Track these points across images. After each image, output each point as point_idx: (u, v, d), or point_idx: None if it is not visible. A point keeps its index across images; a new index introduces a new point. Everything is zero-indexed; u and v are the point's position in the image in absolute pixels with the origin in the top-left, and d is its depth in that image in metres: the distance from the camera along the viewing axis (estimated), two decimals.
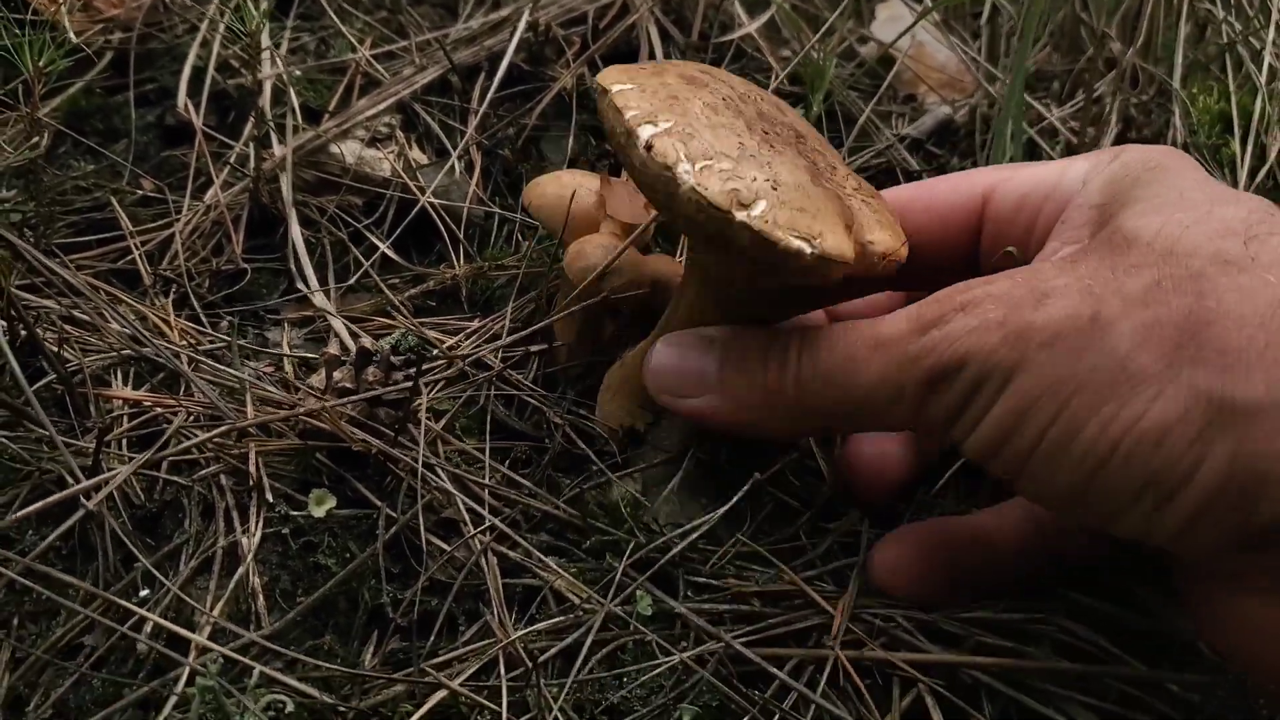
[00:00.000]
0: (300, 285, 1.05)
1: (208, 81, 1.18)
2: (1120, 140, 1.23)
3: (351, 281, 1.07)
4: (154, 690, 0.72)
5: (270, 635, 0.75)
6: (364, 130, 1.16)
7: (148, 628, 0.74)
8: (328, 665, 0.74)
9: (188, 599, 0.77)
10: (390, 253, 1.10)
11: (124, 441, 0.86)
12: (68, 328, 0.93)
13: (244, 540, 0.80)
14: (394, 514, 0.82)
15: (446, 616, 0.78)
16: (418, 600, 0.78)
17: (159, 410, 0.88)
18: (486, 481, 0.85)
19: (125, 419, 0.87)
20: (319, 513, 0.81)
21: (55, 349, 0.88)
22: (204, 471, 0.83)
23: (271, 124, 1.14)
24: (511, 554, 0.81)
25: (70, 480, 0.79)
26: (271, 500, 0.81)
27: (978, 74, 1.30)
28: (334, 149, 1.14)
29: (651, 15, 1.25)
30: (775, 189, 0.70)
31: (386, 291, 1.05)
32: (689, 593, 0.80)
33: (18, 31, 0.92)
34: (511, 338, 0.94)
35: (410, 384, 0.84)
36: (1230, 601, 0.68)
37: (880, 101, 1.28)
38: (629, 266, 0.91)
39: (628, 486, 0.84)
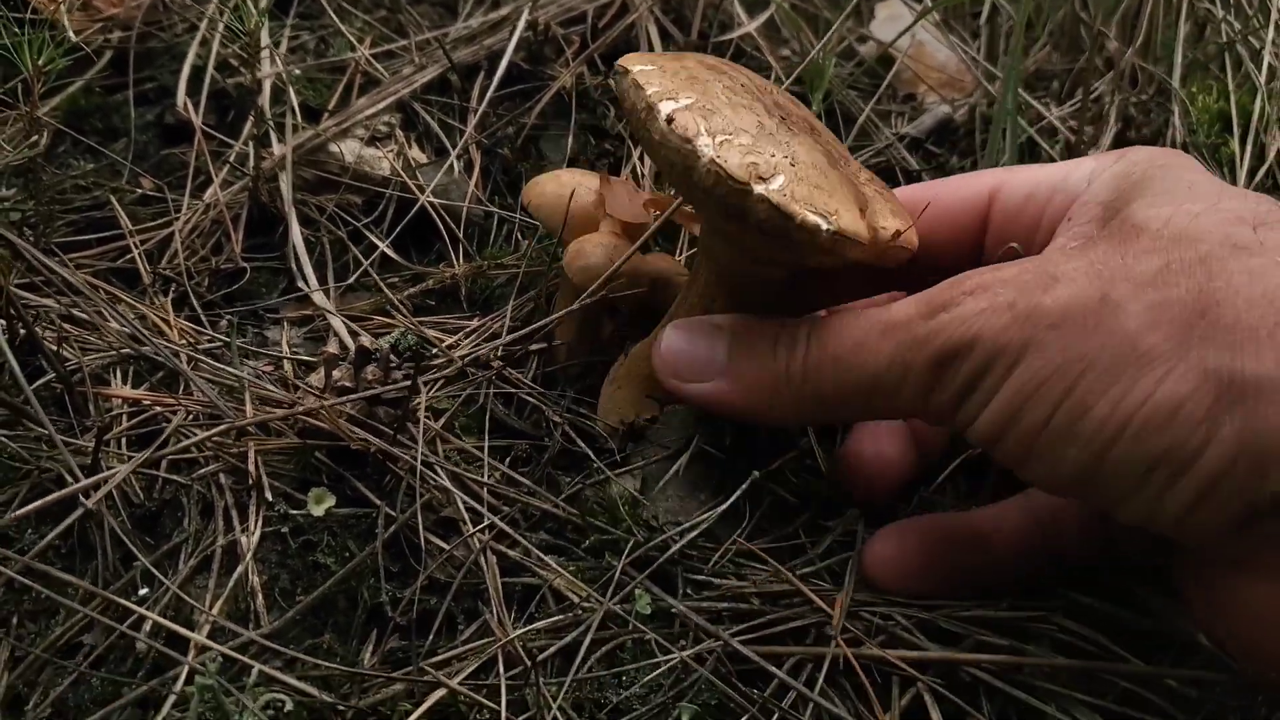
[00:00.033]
0: (300, 284, 1.05)
1: (207, 80, 1.18)
2: (1119, 139, 1.23)
3: (351, 280, 1.07)
4: (153, 689, 0.72)
5: (269, 634, 0.75)
6: (363, 129, 1.17)
7: (147, 626, 0.74)
8: (327, 664, 0.74)
9: (187, 598, 0.77)
10: (390, 252, 1.10)
11: (123, 440, 0.86)
12: (67, 326, 0.93)
13: (243, 539, 0.80)
14: (393, 513, 0.82)
15: (445, 615, 0.78)
16: (417, 599, 0.78)
17: (158, 409, 0.88)
18: (485, 480, 0.85)
19: (124, 418, 0.87)
20: (318, 511, 0.81)
21: (54, 348, 0.88)
22: (203, 470, 0.83)
23: (271, 123, 1.14)
24: (510, 553, 0.81)
25: (69, 479, 0.79)
26: (271, 499, 0.81)
27: (977, 73, 1.30)
28: (333, 148, 1.14)
29: (651, 14, 1.25)
30: (793, 165, 0.71)
31: (386, 290, 1.05)
32: (688, 591, 0.80)
33: (17, 30, 0.92)
34: (511, 337, 0.94)
35: (409, 383, 0.84)
36: (1232, 587, 0.67)
37: (880, 101, 1.28)
38: (627, 265, 0.91)
39: (627, 484, 0.84)
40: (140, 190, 1.12)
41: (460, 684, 0.72)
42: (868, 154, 1.22)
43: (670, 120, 0.71)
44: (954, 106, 1.28)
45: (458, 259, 1.10)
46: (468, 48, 1.24)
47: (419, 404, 0.87)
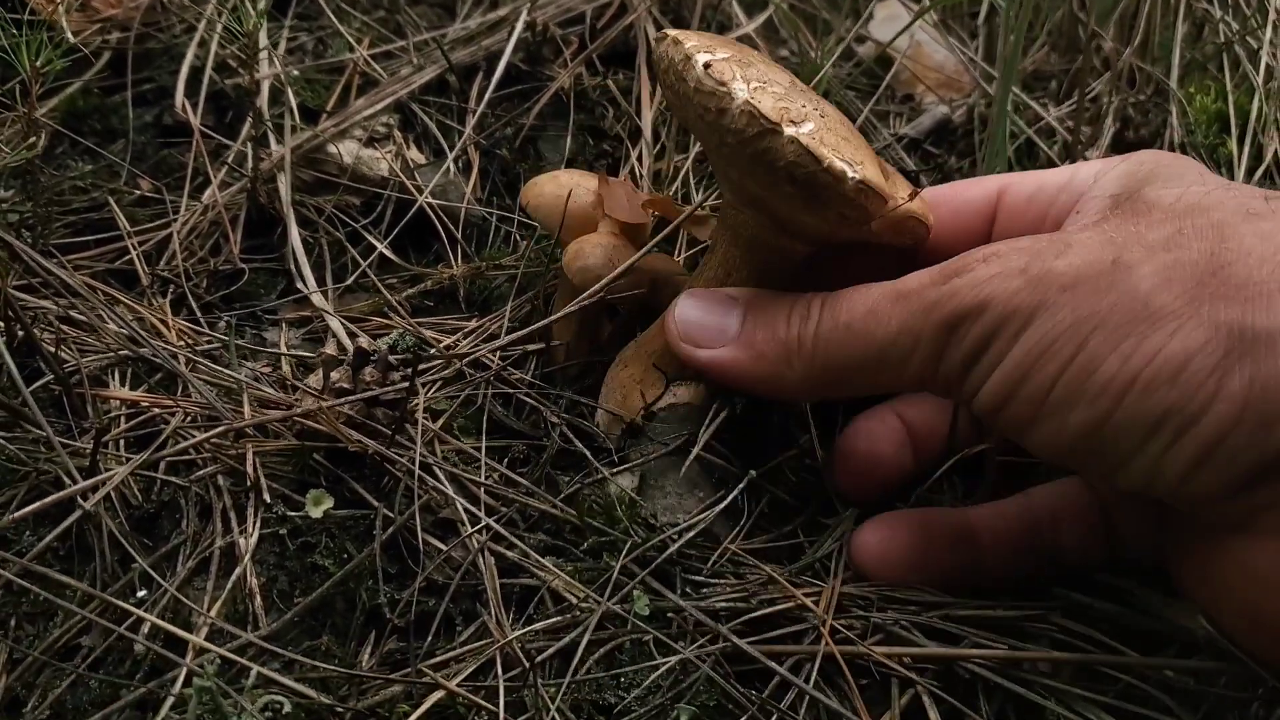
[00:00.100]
0: (298, 285, 1.05)
1: (205, 81, 1.18)
2: (1117, 139, 1.23)
3: (349, 281, 1.07)
4: (151, 691, 0.72)
5: (268, 636, 0.75)
6: (362, 130, 1.16)
7: (145, 628, 0.74)
8: (325, 666, 0.74)
9: (185, 600, 0.77)
10: (388, 252, 1.10)
11: (121, 442, 0.86)
12: (65, 328, 0.93)
13: (241, 541, 0.80)
14: (391, 514, 0.82)
15: (444, 616, 0.78)
16: (415, 600, 0.78)
17: (156, 411, 0.88)
18: (484, 481, 0.84)
19: (122, 419, 0.87)
20: (316, 513, 0.81)
21: (53, 349, 0.88)
22: (201, 472, 0.83)
23: (269, 124, 1.14)
24: (509, 554, 0.81)
25: (67, 481, 0.79)
26: (269, 501, 0.81)
27: (975, 74, 1.30)
28: (332, 149, 1.14)
29: (649, 15, 1.25)
30: (823, 118, 0.75)
31: (384, 291, 1.05)
32: (687, 590, 0.80)
33: (15, 31, 0.92)
34: (509, 337, 0.94)
35: (408, 384, 0.84)
36: (1230, 551, 0.67)
37: (878, 101, 1.28)
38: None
39: (625, 481, 0.84)
40: (138, 191, 1.12)
41: (459, 685, 0.72)
42: None
43: (708, 66, 0.74)
44: (952, 107, 1.28)
45: (456, 260, 1.10)
46: (466, 48, 1.24)
47: (417, 405, 0.87)
